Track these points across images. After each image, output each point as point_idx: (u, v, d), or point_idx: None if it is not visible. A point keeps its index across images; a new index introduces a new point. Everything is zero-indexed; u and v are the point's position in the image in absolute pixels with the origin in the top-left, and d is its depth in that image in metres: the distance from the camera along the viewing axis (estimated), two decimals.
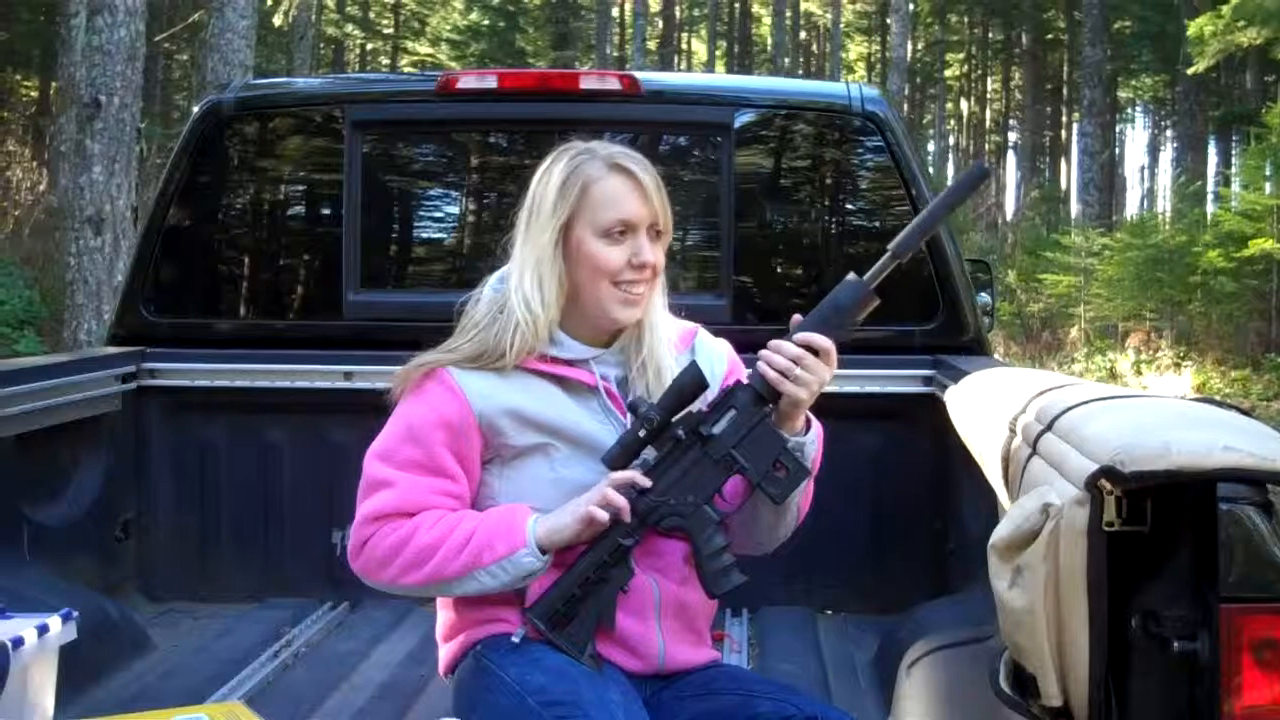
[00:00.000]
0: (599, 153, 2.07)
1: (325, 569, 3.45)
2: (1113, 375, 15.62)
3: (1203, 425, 1.57)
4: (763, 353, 1.98)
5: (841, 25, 35.00)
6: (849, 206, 3.73)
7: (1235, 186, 17.55)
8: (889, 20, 29.14)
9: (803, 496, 2.12)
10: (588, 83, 3.51)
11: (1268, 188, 14.90)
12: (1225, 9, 16.44)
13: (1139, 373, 15.62)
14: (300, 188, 3.77)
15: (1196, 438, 1.50)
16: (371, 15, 35.25)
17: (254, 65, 12.72)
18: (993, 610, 1.79)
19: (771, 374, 1.97)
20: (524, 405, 2.05)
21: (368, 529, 2.04)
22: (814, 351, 1.96)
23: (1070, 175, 33.62)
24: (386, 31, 35.57)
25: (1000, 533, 1.68)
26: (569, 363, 2.09)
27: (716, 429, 2.01)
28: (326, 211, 3.68)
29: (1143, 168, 47.68)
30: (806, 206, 3.73)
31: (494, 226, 3.75)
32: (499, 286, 2.12)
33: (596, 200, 2.04)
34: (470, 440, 2.05)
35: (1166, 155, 40.14)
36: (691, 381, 2.00)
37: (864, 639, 3.18)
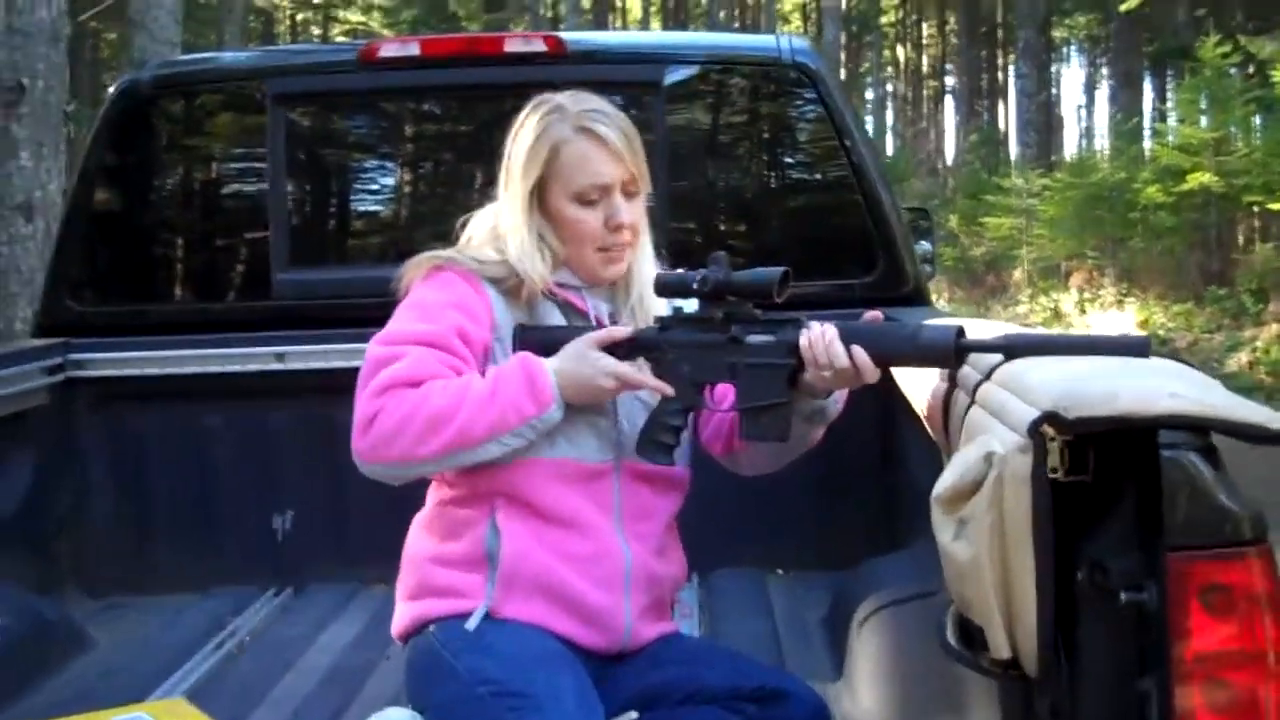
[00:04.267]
0: (569, 111, 2.03)
1: (267, 555, 3.39)
2: (1057, 315, 15.76)
3: (1146, 373, 1.54)
4: (814, 329, 1.89)
5: None
6: (784, 160, 3.68)
7: (1172, 121, 17.65)
8: None
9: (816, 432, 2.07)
10: (513, 45, 3.43)
11: (1203, 121, 14.99)
12: None
13: (1083, 311, 15.76)
14: (223, 165, 3.66)
15: (1141, 385, 1.47)
16: None
17: (183, 42, 12.46)
18: (940, 564, 1.76)
19: (806, 352, 1.88)
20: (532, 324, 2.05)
21: (374, 403, 1.89)
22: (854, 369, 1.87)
23: (1008, 118, 33.75)
24: (316, 1, 35.07)
25: (943, 484, 1.64)
26: (572, 289, 2.08)
27: (749, 338, 1.94)
28: (251, 189, 3.58)
29: (1080, 107, 48.05)
30: (741, 162, 3.68)
31: (426, 195, 3.69)
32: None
33: (566, 164, 2.01)
34: (481, 329, 2.00)
35: (1103, 93, 40.49)
36: (763, 282, 1.92)
37: (816, 597, 3.15)
